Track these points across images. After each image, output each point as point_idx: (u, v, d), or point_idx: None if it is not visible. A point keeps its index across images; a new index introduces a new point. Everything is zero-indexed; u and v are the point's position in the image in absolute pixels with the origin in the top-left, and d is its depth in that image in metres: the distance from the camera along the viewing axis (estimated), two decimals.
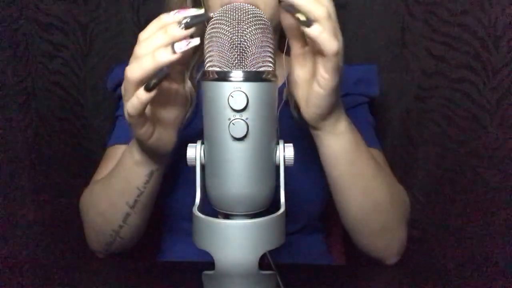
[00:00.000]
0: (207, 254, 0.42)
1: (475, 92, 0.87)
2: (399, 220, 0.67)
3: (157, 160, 0.59)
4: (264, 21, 0.42)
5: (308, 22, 0.45)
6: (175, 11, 0.45)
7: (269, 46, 0.43)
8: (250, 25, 0.41)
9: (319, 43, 0.46)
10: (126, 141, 0.68)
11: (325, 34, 0.45)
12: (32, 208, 0.99)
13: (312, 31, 0.45)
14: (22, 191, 0.97)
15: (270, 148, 0.44)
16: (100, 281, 0.64)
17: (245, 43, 0.41)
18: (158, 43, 0.45)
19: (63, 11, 0.95)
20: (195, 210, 0.44)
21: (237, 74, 0.41)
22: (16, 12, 0.93)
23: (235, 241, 0.41)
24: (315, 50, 0.49)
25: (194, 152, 0.45)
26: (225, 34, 0.41)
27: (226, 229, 0.41)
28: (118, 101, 0.82)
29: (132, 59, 0.47)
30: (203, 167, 0.45)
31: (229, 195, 0.43)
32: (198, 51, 0.63)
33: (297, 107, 0.57)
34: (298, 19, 0.45)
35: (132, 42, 0.49)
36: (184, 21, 0.44)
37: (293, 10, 0.45)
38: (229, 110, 0.41)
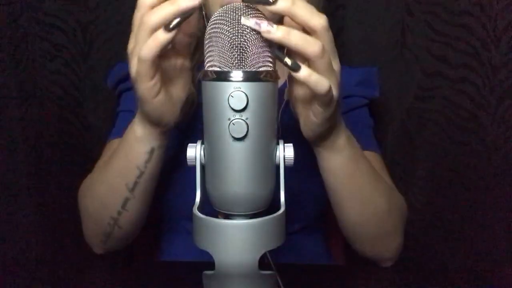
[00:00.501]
0: (207, 254, 0.42)
1: (475, 92, 0.87)
2: (395, 227, 0.68)
3: (158, 135, 0.57)
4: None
5: (295, 67, 0.43)
6: None
7: (269, 46, 0.43)
8: None
9: (308, 86, 0.45)
10: None
11: (313, 76, 0.44)
12: (32, 208, 0.99)
13: (300, 75, 0.44)
14: (22, 191, 0.97)
15: (270, 148, 0.44)
16: (100, 281, 0.64)
17: (245, 43, 0.41)
18: None
19: (63, 11, 0.95)
20: (195, 210, 0.44)
21: (237, 74, 0.41)
22: (16, 12, 0.93)
23: (235, 241, 0.41)
24: None
25: (194, 152, 0.45)
26: (225, 34, 0.41)
27: (226, 229, 0.41)
28: (118, 98, 0.81)
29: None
30: (203, 167, 0.45)
31: (229, 195, 0.43)
32: (198, 51, 0.63)
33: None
34: (285, 64, 0.43)
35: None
36: None
37: (280, 56, 0.43)
38: (229, 110, 0.41)
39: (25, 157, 0.97)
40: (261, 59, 0.42)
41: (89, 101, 1.00)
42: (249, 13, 0.41)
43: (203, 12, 0.67)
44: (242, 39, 0.41)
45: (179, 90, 0.55)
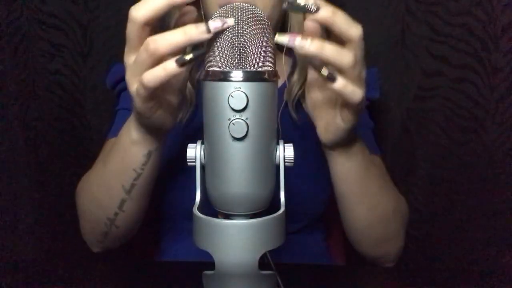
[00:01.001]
0: (207, 254, 0.42)
1: (475, 92, 0.87)
2: (398, 229, 0.69)
3: (155, 139, 0.57)
4: (264, 20, 0.42)
5: (332, 78, 0.44)
6: None
7: (269, 46, 0.43)
8: (250, 25, 0.41)
9: (343, 96, 0.46)
10: None
11: (349, 87, 0.45)
12: (32, 208, 0.99)
13: (336, 86, 0.44)
14: (22, 191, 0.97)
15: (270, 148, 0.44)
16: (100, 281, 0.64)
17: (245, 43, 0.41)
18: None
19: (63, 11, 0.95)
20: (195, 210, 0.44)
21: (237, 74, 0.41)
22: (16, 12, 0.93)
23: (235, 241, 0.41)
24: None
25: (194, 152, 0.45)
26: (225, 34, 0.41)
27: (226, 229, 0.41)
28: (117, 98, 0.81)
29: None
30: (203, 167, 0.45)
31: (229, 195, 0.43)
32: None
33: (296, 104, 0.57)
34: (322, 75, 0.44)
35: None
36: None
37: (318, 67, 0.44)
38: (229, 110, 0.41)
39: (25, 157, 0.97)
40: (261, 59, 0.42)
41: (89, 101, 1.00)
42: (249, 14, 0.41)
43: (202, 12, 0.66)
44: (242, 39, 0.41)
45: (174, 100, 0.53)
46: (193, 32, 0.42)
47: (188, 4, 0.46)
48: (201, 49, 0.43)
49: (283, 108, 0.72)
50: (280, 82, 0.72)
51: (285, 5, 0.42)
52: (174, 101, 0.54)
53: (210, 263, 0.42)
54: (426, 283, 0.62)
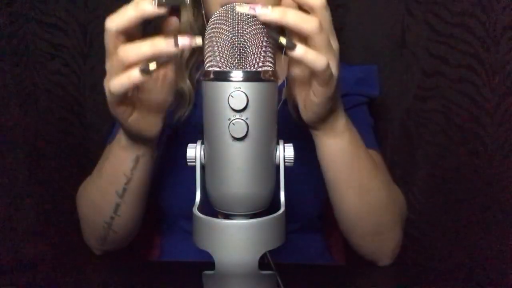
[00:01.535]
0: (207, 254, 0.42)
1: (475, 92, 0.87)
2: (394, 221, 0.67)
3: (142, 145, 0.58)
4: None
5: (290, 45, 0.43)
6: None
7: (269, 46, 0.43)
8: (250, 25, 0.41)
9: (306, 63, 0.45)
10: None
11: (310, 53, 0.44)
12: (32, 208, 0.99)
13: (296, 53, 0.44)
14: (22, 191, 0.97)
15: (270, 148, 0.44)
16: (100, 281, 0.64)
17: (245, 43, 0.41)
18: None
19: (63, 11, 0.95)
20: (195, 210, 0.44)
21: (237, 74, 0.41)
22: (16, 12, 0.93)
23: (235, 241, 0.41)
24: None
25: (194, 152, 0.45)
26: (225, 34, 0.41)
27: (226, 229, 0.41)
28: None
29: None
30: (203, 167, 0.45)
31: (229, 195, 0.43)
32: (197, 50, 0.63)
33: (295, 106, 0.57)
34: (280, 43, 0.43)
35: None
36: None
37: (275, 36, 0.43)
38: (229, 110, 0.41)
39: (25, 157, 0.97)
40: (261, 59, 0.42)
41: (89, 101, 1.00)
42: (249, 14, 0.41)
43: (203, 12, 0.67)
44: (242, 39, 0.41)
45: (159, 99, 0.54)
46: (161, 45, 0.43)
47: (170, 14, 0.46)
48: (166, 59, 0.44)
49: (282, 107, 0.72)
50: (280, 82, 0.72)
51: None
52: (157, 108, 0.54)
53: (210, 263, 0.42)
54: (425, 283, 0.62)
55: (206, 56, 0.43)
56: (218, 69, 0.41)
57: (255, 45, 0.41)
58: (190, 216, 0.44)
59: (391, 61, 0.94)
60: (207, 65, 0.43)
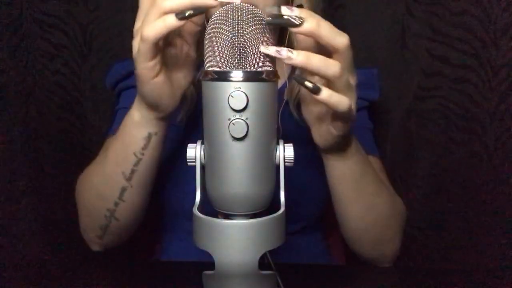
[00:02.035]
0: (207, 254, 0.42)
1: (475, 92, 0.86)
2: (396, 232, 0.70)
3: (155, 121, 0.57)
4: (264, 21, 0.42)
5: (316, 89, 0.45)
6: None
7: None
8: (250, 25, 0.41)
9: (330, 106, 0.46)
10: None
11: (334, 97, 0.45)
12: (32, 208, 0.99)
13: (321, 97, 0.45)
14: (22, 191, 0.97)
15: (270, 148, 0.44)
16: (100, 281, 0.64)
17: (245, 43, 0.41)
18: None
19: (63, 11, 0.95)
20: (195, 210, 0.44)
21: (237, 74, 0.41)
22: (16, 12, 0.93)
23: (235, 241, 0.41)
24: None
25: (194, 152, 0.45)
26: (225, 34, 0.41)
27: (226, 229, 0.41)
28: (117, 98, 0.81)
29: None
30: (203, 167, 0.45)
31: (229, 195, 0.43)
32: (198, 50, 0.63)
33: (297, 104, 0.58)
34: (306, 87, 0.45)
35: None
36: None
37: (301, 80, 0.45)
38: (229, 110, 0.41)
39: (25, 157, 0.97)
40: (261, 59, 0.42)
41: (89, 101, 1.00)
42: (249, 14, 0.41)
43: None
44: (242, 39, 0.41)
45: (180, 77, 0.55)
46: None
47: None
48: (196, 8, 0.45)
49: (284, 108, 0.72)
50: (281, 82, 0.72)
51: (267, 19, 0.42)
52: (179, 82, 0.55)
53: (210, 263, 0.42)
54: (426, 283, 0.62)
55: (206, 56, 0.43)
56: (218, 69, 0.41)
57: (255, 45, 0.41)
58: (190, 216, 0.44)
59: (391, 61, 0.94)
60: (207, 65, 0.43)
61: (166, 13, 0.45)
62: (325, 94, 0.45)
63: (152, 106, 0.55)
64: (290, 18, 0.43)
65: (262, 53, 0.42)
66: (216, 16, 0.42)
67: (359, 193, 0.62)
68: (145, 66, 0.49)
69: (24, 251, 0.95)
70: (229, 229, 0.41)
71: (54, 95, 0.99)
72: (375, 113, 0.82)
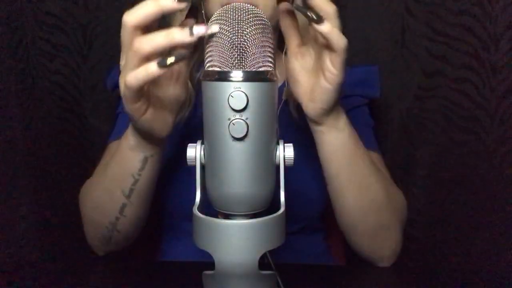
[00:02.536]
0: (207, 254, 0.42)
1: (475, 92, 0.86)
2: (394, 221, 0.68)
3: (151, 145, 0.57)
4: (264, 21, 0.42)
5: (320, 20, 0.47)
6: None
7: (269, 46, 0.43)
8: (250, 25, 0.41)
9: (330, 39, 0.47)
10: None
11: (335, 30, 0.47)
12: (32, 208, 0.99)
13: (324, 27, 0.47)
14: (22, 191, 0.97)
15: (270, 148, 0.44)
16: (100, 281, 0.64)
17: (245, 43, 0.41)
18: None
19: (63, 11, 0.95)
20: (195, 210, 0.44)
21: (237, 74, 0.41)
22: (16, 12, 0.93)
23: (235, 241, 0.41)
24: (322, 46, 0.50)
25: (194, 152, 0.45)
26: (225, 34, 0.41)
27: (226, 229, 0.41)
28: (118, 99, 0.82)
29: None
30: (203, 167, 0.45)
31: (229, 195, 0.43)
32: (198, 50, 0.63)
33: (297, 104, 0.58)
34: (309, 16, 0.47)
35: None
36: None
37: (304, 9, 0.47)
38: (229, 110, 0.41)
39: (25, 157, 0.97)
40: (261, 59, 0.42)
41: (89, 101, 1.00)
42: (249, 14, 0.41)
43: (203, 12, 0.67)
44: (242, 39, 0.41)
45: (172, 98, 0.54)
46: (176, 34, 0.43)
47: (186, 14, 0.47)
48: (184, 52, 0.44)
49: (283, 108, 0.72)
50: (280, 82, 0.72)
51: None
52: (170, 108, 0.54)
53: (210, 263, 0.42)
54: (426, 283, 0.63)
55: (206, 56, 0.43)
56: (218, 69, 0.41)
57: (255, 45, 0.41)
58: (190, 216, 0.44)
59: (391, 61, 0.94)
60: (207, 65, 0.43)
61: (147, 57, 0.44)
62: (328, 25, 0.47)
63: (145, 135, 0.55)
64: None
65: (262, 53, 0.42)
66: (216, 16, 0.42)
67: (353, 170, 0.61)
68: (132, 108, 0.49)
69: (24, 251, 0.95)
70: (229, 229, 0.41)
71: (54, 95, 0.99)
72: (375, 112, 0.82)
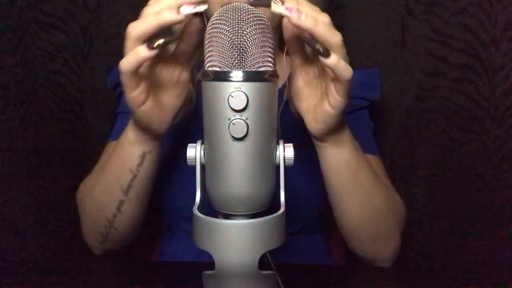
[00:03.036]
0: (207, 254, 0.42)
1: (475, 92, 0.87)
2: (394, 229, 0.68)
3: (149, 141, 0.58)
4: (264, 21, 0.42)
5: (326, 53, 0.46)
6: None
7: (269, 46, 0.43)
8: (250, 25, 0.41)
9: (336, 71, 0.47)
10: None
11: (341, 62, 0.47)
12: (32, 208, 0.99)
13: (330, 61, 0.46)
14: (22, 192, 0.97)
15: (270, 148, 0.44)
16: (100, 281, 0.64)
17: (245, 43, 0.41)
18: (166, 4, 0.45)
19: (63, 11, 0.95)
20: (195, 210, 0.44)
21: (237, 74, 0.41)
22: (16, 12, 0.93)
23: (235, 241, 0.41)
24: (327, 74, 0.51)
25: (194, 152, 0.45)
26: (225, 34, 0.41)
27: (226, 229, 0.41)
28: (118, 99, 0.82)
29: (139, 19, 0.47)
30: (203, 167, 0.45)
31: (229, 195, 0.43)
32: (198, 50, 0.63)
33: (299, 115, 0.58)
34: (316, 49, 0.46)
35: None
36: None
37: (313, 43, 0.46)
38: (229, 110, 0.41)
39: (25, 157, 0.97)
40: (261, 59, 0.42)
41: (89, 101, 1.00)
42: (249, 14, 0.41)
43: (203, 11, 0.66)
44: (242, 39, 0.41)
45: (172, 99, 0.55)
46: (164, 14, 0.44)
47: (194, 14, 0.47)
48: (173, 35, 0.46)
49: (284, 108, 0.72)
50: (281, 83, 0.72)
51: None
52: (171, 104, 0.55)
53: (210, 263, 0.42)
54: (426, 283, 0.63)
55: (206, 56, 0.43)
56: (218, 69, 0.41)
57: (255, 45, 0.41)
58: (190, 217, 0.44)
59: (391, 61, 0.94)
60: (207, 65, 0.43)
61: (138, 41, 0.45)
62: (335, 57, 0.46)
63: (144, 128, 0.56)
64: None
65: (262, 53, 0.42)
66: (216, 16, 0.42)
67: (355, 184, 0.61)
68: (131, 96, 0.50)
69: (24, 251, 0.95)
70: (229, 229, 0.41)
71: (54, 95, 0.99)
72: (375, 113, 0.82)
